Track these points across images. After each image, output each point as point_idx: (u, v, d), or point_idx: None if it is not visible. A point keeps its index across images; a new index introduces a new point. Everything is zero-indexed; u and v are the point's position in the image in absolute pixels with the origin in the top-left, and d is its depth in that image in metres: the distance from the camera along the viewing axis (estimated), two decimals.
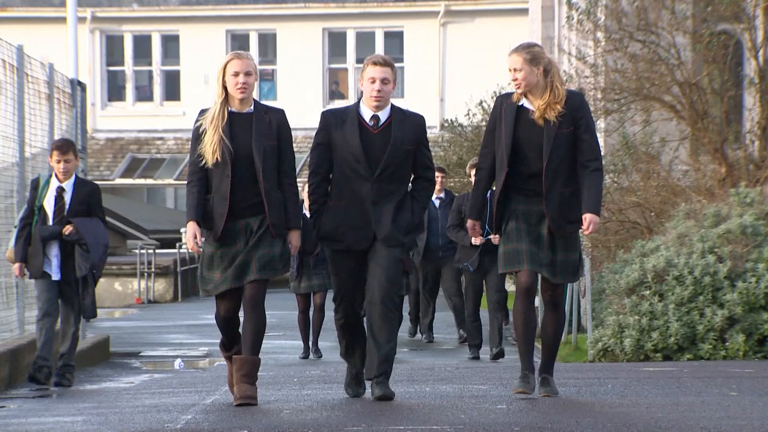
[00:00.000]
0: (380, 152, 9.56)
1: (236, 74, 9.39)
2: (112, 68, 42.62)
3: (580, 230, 9.50)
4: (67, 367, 12.54)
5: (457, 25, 40.46)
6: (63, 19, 29.96)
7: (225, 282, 9.39)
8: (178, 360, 16.87)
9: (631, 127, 19.35)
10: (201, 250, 9.43)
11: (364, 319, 9.79)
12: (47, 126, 16.00)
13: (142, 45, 42.37)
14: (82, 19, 32.79)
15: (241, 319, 9.57)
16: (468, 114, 31.60)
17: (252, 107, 9.54)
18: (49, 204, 12.31)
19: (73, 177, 12.43)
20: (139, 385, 13.45)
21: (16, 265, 12.39)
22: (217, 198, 9.43)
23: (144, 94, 42.37)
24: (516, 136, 9.42)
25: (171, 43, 41.84)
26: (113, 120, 41.72)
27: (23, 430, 8.97)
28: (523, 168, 9.46)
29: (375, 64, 9.59)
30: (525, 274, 9.39)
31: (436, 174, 18.80)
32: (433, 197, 18.23)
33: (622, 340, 15.29)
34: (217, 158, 9.34)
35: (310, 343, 17.13)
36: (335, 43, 41.16)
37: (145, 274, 32.33)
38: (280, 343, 19.77)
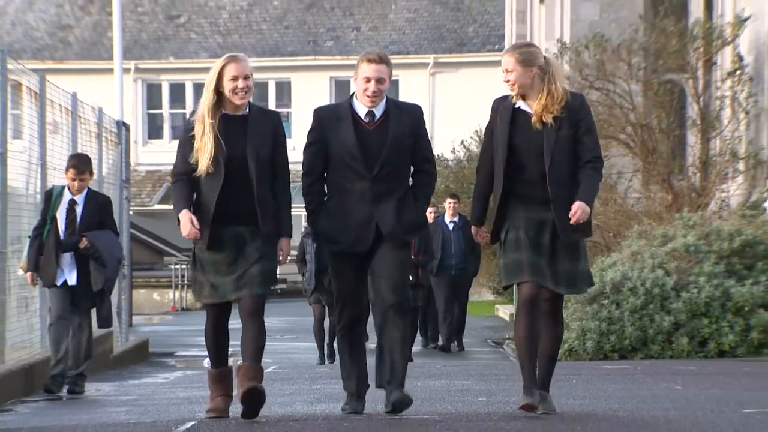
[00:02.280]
0: (377, 149, 7.84)
1: (235, 78, 7.66)
2: (151, 111, 42.73)
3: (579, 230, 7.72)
4: (79, 376, 10.97)
5: (444, 75, 40.51)
6: (110, 70, 30.09)
7: (223, 294, 7.72)
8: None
9: None
10: (198, 237, 7.68)
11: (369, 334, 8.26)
12: (96, 160, 16.02)
13: (177, 91, 42.48)
14: (126, 70, 32.81)
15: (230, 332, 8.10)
16: (453, 150, 31.70)
17: (247, 110, 7.80)
18: (60, 215, 10.79)
19: (86, 190, 10.95)
20: (173, 381, 13.41)
21: (29, 274, 10.88)
22: (206, 203, 7.72)
23: (178, 133, 42.21)
24: (512, 139, 7.68)
25: (202, 90, 41.83)
26: (152, 155, 41.70)
27: (77, 419, 8.96)
28: (521, 173, 7.70)
29: (370, 61, 7.84)
30: (528, 287, 7.58)
31: (449, 200, 18.94)
32: (447, 220, 18.19)
33: (585, 342, 15.29)
34: (210, 165, 7.65)
35: (325, 347, 16.69)
36: (341, 89, 41.14)
37: (179, 285, 32.35)
38: (294, 345, 19.76)
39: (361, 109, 7.89)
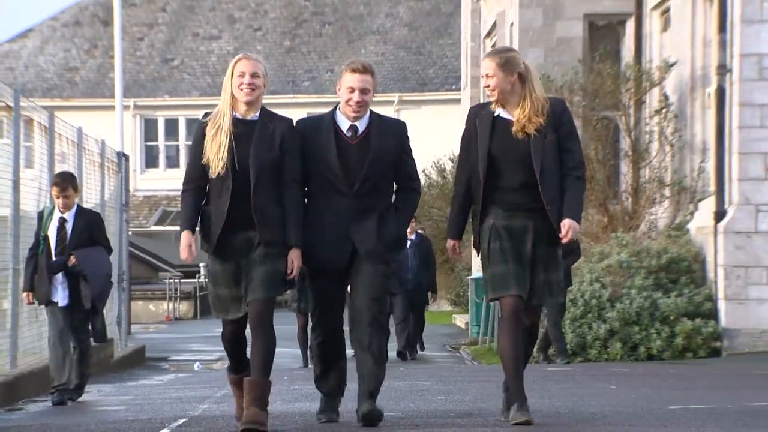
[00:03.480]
0: (359, 165, 6.73)
1: (242, 74, 6.69)
2: (148, 143, 42.58)
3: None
4: (78, 388, 10.09)
5: (407, 111, 40.45)
6: (112, 107, 30.01)
7: (239, 308, 6.79)
8: (197, 363, 16.76)
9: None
10: (195, 257, 6.79)
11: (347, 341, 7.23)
12: (99, 186, 16.01)
13: (172, 126, 42.41)
14: (126, 107, 32.75)
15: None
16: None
17: (257, 114, 6.77)
18: (52, 234, 9.84)
19: (74, 207, 9.95)
20: (167, 383, 13.35)
21: (24, 293, 10.11)
22: (215, 210, 6.75)
23: (172, 162, 42.25)
24: (492, 147, 6.67)
25: (193, 124, 41.96)
26: (149, 182, 41.61)
27: (81, 418, 8.92)
28: (502, 181, 6.70)
29: (354, 71, 6.77)
30: (512, 301, 6.65)
31: None
32: None
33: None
34: (219, 169, 6.69)
35: (308, 351, 16.35)
36: None
37: (173, 297, 32.28)
38: (277, 350, 19.69)
39: (344, 122, 6.83)
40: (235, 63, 6.76)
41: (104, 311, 10.76)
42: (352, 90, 6.78)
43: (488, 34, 26.32)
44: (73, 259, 9.77)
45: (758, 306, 14.94)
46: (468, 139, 6.84)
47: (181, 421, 7.61)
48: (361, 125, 6.83)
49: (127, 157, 19.13)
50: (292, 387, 10.75)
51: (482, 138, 6.72)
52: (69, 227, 9.87)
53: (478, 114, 6.84)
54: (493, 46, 25.70)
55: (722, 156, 15.55)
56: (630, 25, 20.23)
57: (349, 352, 7.07)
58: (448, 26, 42.87)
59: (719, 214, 15.33)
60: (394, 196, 7.01)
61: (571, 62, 19.55)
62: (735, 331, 14.95)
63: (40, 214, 10.16)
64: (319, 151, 6.77)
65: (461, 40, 31.58)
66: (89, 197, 14.97)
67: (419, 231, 18.21)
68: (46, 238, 9.85)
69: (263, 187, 6.68)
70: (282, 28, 45.36)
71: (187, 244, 6.76)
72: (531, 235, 6.72)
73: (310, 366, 16.24)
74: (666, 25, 19.33)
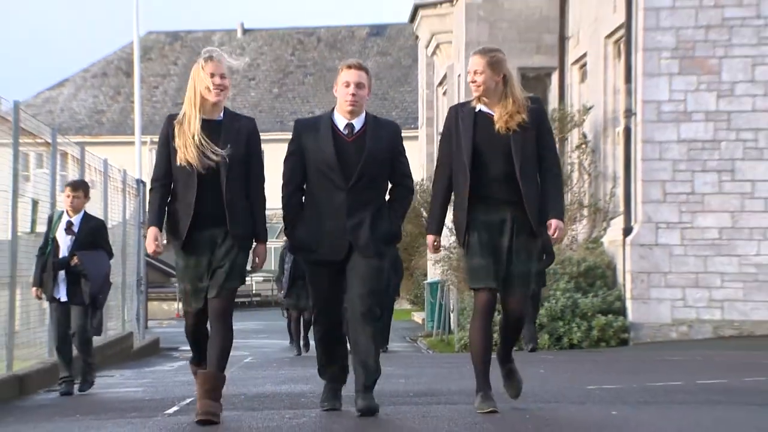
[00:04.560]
0: (355, 161, 5.96)
1: (212, 75, 5.78)
2: None
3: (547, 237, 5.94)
4: (85, 381, 9.26)
5: None
6: (132, 143, 29.86)
7: (200, 300, 5.93)
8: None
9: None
10: (161, 253, 5.99)
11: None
12: (122, 207, 15.92)
13: None
14: (144, 142, 32.58)
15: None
16: None
17: (222, 114, 5.89)
18: (60, 235, 9.08)
19: (82, 213, 9.18)
20: (177, 368, 13.26)
21: (33, 289, 9.22)
22: (182, 206, 5.83)
23: None
24: (476, 139, 5.86)
25: None
26: None
27: (105, 396, 8.85)
28: (484, 174, 5.86)
29: (350, 67, 6.05)
30: (486, 294, 5.87)
31: None
32: None
33: None
34: (187, 166, 5.78)
35: (301, 340, 15.25)
36: None
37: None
38: (266, 342, 19.53)
39: (341, 121, 6.05)
40: (204, 63, 5.80)
41: (119, 310, 10.51)
42: (348, 84, 6.01)
43: (440, 83, 26.39)
44: (75, 259, 9.01)
45: (658, 304, 15.02)
46: (449, 136, 5.97)
47: (188, 400, 7.56)
48: (358, 124, 6.05)
49: (144, 184, 19.01)
50: (280, 372, 10.71)
51: (465, 131, 5.89)
52: (75, 230, 9.11)
53: (459, 111, 6.01)
54: (444, 93, 25.78)
55: (629, 183, 15.64)
56: (555, 77, 20.36)
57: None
58: (407, 77, 42.96)
59: (627, 230, 15.41)
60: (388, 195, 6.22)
61: None
62: (639, 324, 15.00)
63: (50, 218, 9.42)
64: (317, 148, 5.98)
65: (418, 88, 31.65)
66: (113, 216, 14.91)
67: None
68: (54, 239, 9.10)
69: (233, 182, 5.78)
70: (271, 78, 45.43)
71: (153, 238, 5.89)
72: (509, 227, 5.87)
73: (303, 354, 15.79)
74: (584, 77, 19.46)
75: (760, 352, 12.30)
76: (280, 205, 6.11)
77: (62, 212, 9.26)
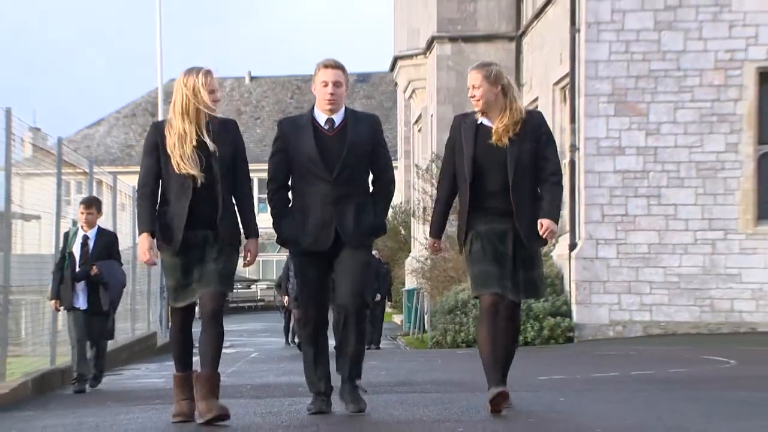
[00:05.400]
0: (337, 154, 5.20)
1: (213, 91, 5.03)
2: None
3: (542, 242, 5.24)
4: (96, 378, 8.72)
5: None
6: None
7: (187, 296, 5.10)
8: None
9: (450, 228, 19.48)
10: (155, 263, 5.18)
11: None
12: None
13: None
14: None
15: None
16: None
17: (207, 119, 5.08)
18: (76, 250, 8.45)
19: (96, 227, 8.56)
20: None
21: (52, 301, 8.59)
22: (176, 209, 5.01)
23: None
24: (477, 153, 5.19)
25: None
26: None
27: (132, 385, 8.80)
28: (484, 185, 5.19)
29: (326, 66, 5.25)
30: (490, 297, 5.17)
31: None
32: None
33: (446, 337, 15.31)
34: (181, 169, 4.98)
35: (290, 334, 15.48)
36: None
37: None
38: (268, 339, 19.48)
39: (321, 117, 5.30)
40: (205, 78, 5.02)
41: (145, 313, 10.26)
42: (326, 84, 5.24)
43: (416, 122, 26.48)
44: (95, 269, 8.43)
45: (598, 308, 15.07)
46: (452, 147, 5.32)
47: None
48: (338, 118, 5.28)
49: None
50: (281, 365, 10.67)
51: (467, 143, 5.22)
52: (91, 243, 8.48)
53: (462, 122, 5.31)
54: (419, 130, 25.88)
55: (574, 206, 15.73)
56: None
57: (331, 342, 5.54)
58: (388, 117, 42.98)
59: (572, 246, 15.48)
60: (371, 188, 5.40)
61: None
62: (583, 325, 15.03)
63: (66, 234, 8.72)
64: (300, 143, 5.25)
65: (397, 126, 31.71)
66: None
67: (378, 257, 17.28)
68: (71, 254, 8.47)
69: (225, 184, 5.04)
70: (274, 117, 45.44)
71: (147, 247, 5.02)
72: (511, 237, 5.19)
73: (292, 343, 15.14)
74: None
75: (681, 347, 12.35)
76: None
77: (77, 228, 8.69)
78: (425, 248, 19.63)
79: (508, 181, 5.17)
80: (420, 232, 21.59)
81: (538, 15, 18.73)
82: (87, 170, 11.55)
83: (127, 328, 14.16)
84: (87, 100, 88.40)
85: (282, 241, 5.33)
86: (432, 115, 21.86)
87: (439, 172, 5.41)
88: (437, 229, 5.46)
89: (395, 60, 24.43)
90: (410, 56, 23.38)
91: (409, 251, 24.88)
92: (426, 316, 18.84)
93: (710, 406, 5.68)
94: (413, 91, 24.34)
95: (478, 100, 5.25)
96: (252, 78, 49.11)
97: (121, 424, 5.52)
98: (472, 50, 20.58)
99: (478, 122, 5.28)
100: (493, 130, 5.22)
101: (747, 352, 11.13)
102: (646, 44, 14.98)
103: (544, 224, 5.15)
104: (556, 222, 5.19)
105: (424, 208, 19.87)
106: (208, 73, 5.04)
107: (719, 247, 14.76)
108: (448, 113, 20.76)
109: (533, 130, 5.24)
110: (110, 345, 9.89)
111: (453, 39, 20.69)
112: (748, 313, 14.59)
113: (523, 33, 20.12)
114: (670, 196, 15.03)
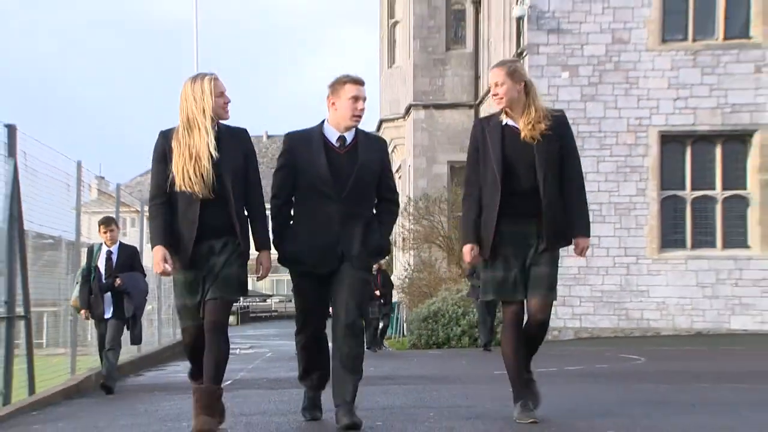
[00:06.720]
0: (347, 172, 4.09)
1: (221, 95, 3.96)
2: None
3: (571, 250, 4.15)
4: (113, 374, 7.40)
5: None
6: None
7: (196, 317, 3.98)
8: (238, 349, 16.40)
9: (424, 254, 19.55)
10: (169, 273, 3.95)
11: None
12: None
13: None
14: None
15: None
16: None
17: (216, 127, 3.97)
18: (101, 264, 7.52)
19: (118, 243, 7.61)
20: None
21: (83, 310, 7.55)
22: (185, 222, 3.93)
23: None
24: (505, 152, 4.05)
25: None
26: None
27: (174, 378, 8.69)
28: (513, 187, 4.04)
29: (355, 82, 4.11)
30: (514, 307, 4.14)
31: None
32: None
33: (421, 340, 15.26)
34: (186, 188, 3.90)
35: None
36: None
37: None
38: (281, 342, 19.32)
39: (332, 134, 4.15)
40: (211, 84, 3.94)
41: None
42: (357, 99, 4.11)
43: (397, 171, 26.57)
44: (119, 281, 7.47)
45: (552, 314, 15.04)
46: (475, 152, 4.16)
47: (228, 382, 7.40)
48: (349, 137, 4.16)
49: None
50: (290, 363, 10.57)
51: (494, 145, 4.08)
52: (114, 257, 7.57)
53: (486, 125, 4.16)
54: (399, 178, 25.98)
55: None
56: None
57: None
58: None
59: None
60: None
61: (440, 186, 19.93)
62: None
63: (90, 250, 7.73)
64: (310, 160, 4.11)
65: None
66: None
67: (380, 268, 15.62)
68: (96, 268, 7.55)
69: (237, 194, 3.97)
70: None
71: (162, 258, 3.91)
72: (534, 239, 4.10)
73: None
74: None
75: (604, 348, 12.40)
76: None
77: (101, 245, 7.65)
78: (404, 269, 19.75)
79: (535, 182, 4.06)
80: (401, 257, 21.69)
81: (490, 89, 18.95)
82: (139, 209, 11.60)
83: (170, 333, 14.02)
84: (141, 150, 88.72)
85: (284, 261, 4.16)
86: (409, 166, 22.12)
87: (464, 183, 4.23)
88: (473, 234, 4.14)
89: (381, 122, 24.81)
90: (392, 119, 23.80)
91: (392, 272, 24.93)
92: (404, 324, 18.79)
93: (627, 394, 5.71)
94: (395, 146, 24.61)
95: (501, 98, 4.12)
96: (269, 136, 49.09)
97: (164, 409, 5.49)
98: (440, 115, 20.88)
99: (503, 123, 4.14)
100: (521, 126, 4.09)
101: (653, 351, 11.27)
102: (575, 112, 15.29)
103: (580, 245, 4.11)
104: (588, 236, 4.13)
105: (404, 239, 20.00)
106: (214, 78, 3.95)
107: (632, 270, 14.96)
108: (422, 165, 21.14)
109: (558, 130, 4.12)
110: (155, 346, 9.75)
111: (426, 106, 21.10)
112: (654, 320, 14.80)
113: (480, 102, 20.33)
114: (595, 229, 15.16)
